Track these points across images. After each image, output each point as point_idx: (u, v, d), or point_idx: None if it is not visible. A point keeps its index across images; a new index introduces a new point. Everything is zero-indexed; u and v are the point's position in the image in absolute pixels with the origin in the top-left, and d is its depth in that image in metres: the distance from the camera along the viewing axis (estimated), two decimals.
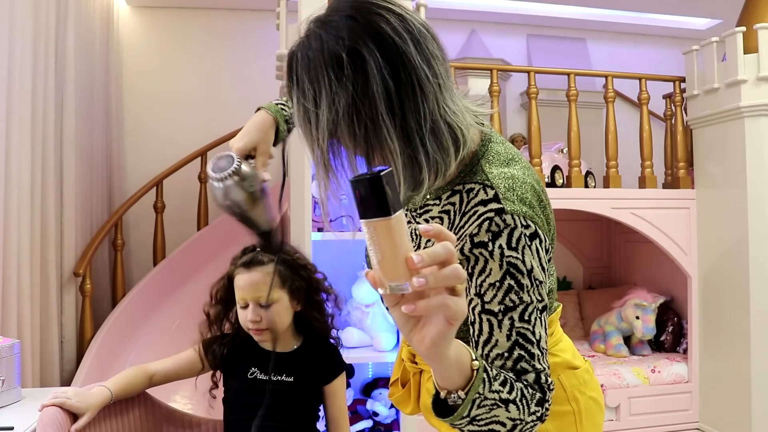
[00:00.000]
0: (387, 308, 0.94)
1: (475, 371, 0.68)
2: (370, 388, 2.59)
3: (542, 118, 3.44)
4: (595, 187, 3.58)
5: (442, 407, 0.71)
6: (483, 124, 0.93)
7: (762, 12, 3.18)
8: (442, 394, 0.69)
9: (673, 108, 3.71)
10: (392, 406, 2.51)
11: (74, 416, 1.33)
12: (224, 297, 1.53)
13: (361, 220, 0.57)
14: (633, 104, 4.63)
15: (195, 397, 2.74)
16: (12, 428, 1.65)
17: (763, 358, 3.07)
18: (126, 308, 3.36)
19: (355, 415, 2.47)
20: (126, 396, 1.47)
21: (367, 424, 2.50)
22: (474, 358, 0.69)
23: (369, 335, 2.54)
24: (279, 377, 1.48)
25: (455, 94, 0.83)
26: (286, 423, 1.46)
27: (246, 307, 1.46)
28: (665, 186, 3.76)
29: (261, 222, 1.00)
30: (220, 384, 1.55)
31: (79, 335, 3.13)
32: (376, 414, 2.49)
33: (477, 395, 0.68)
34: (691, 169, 3.59)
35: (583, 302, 4.27)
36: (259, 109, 1.09)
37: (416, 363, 1.07)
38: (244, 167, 0.97)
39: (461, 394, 0.68)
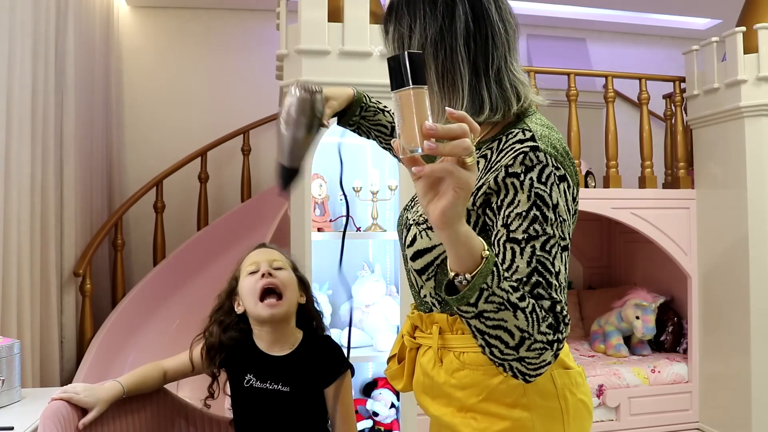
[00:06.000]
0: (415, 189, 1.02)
1: (484, 259, 0.74)
2: (370, 388, 2.59)
3: None
4: (595, 187, 3.58)
5: (453, 291, 0.76)
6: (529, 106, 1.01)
7: (762, 12, 3.18)
8: (451, 275, 0.75)
9: (673, 108, 3.71)
10: (392, 405, 2.51)
11: (84, 411, 1.32)
12: (229, 298, 1.50)
13: (392, 92, 0.68)
14: (633, 104, 4.63)
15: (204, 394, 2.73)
16: (12, 428, 1.65)
17: (763, 358, 3.07)
18: (126, 308, 3.36)
19: (355, 415, 2.47)
20: (139, 392, 1.45)
21: (367, 424, 2.50)
22: (486, 248, 0.75)
23: (369, 335, 2.54)
24: (275, 386, 1.41)
25: (519, 62, 0.99)
26: None
27: (256, 272, 1.42)
28: (665, 186, 3.76)
29: (296, 157, 1.07)
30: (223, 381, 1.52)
31: (79, 335, 3.13)
32: (376, 414, 2.49)
33: (485, 285, 0.73)
34: (691, 169, 3.59)
35: (583, 302, 4.27)
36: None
37: (414, 338, 1.07)
38: (320, 98, 1.07)
39: (468, 276, 0.74)
